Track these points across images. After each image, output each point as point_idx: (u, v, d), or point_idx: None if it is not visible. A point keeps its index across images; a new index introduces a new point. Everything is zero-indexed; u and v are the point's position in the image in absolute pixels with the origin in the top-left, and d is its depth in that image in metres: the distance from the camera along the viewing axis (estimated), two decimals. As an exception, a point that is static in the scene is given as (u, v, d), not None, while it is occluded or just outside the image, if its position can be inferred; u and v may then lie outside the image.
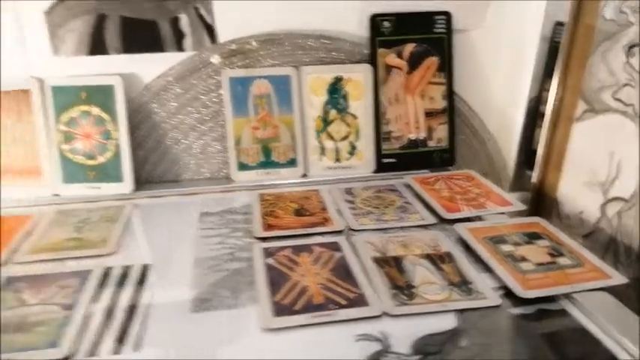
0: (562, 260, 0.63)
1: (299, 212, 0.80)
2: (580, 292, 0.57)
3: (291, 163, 0.91)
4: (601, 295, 0.57)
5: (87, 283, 0.62)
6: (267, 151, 0.91)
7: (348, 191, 0.87)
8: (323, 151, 0.92)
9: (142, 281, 0.63)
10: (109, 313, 0.57)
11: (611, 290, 0.58)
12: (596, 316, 0.54)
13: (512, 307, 0.56)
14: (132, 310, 0.57)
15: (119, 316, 0.57)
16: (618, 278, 0.59)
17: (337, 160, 0.92)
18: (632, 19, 0.68)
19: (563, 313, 0.56)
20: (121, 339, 0.53)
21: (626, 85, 0.69)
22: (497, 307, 0.56)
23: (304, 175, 0.92)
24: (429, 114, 0.93)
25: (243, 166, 0.90)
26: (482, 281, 0.60)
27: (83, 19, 0.82)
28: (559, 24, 0.86)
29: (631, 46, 0.68)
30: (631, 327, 0.52)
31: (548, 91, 0.83)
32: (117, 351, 0.51)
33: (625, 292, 0.61)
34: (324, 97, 0.91)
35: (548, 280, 0.59)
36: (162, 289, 0.61)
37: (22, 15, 0.81)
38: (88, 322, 0.55)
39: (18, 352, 0.51)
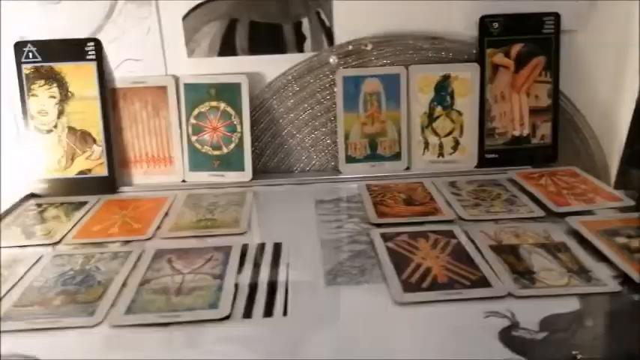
0: (678, 252, 0.65)
1: (408, 202, 0.85)
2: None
3: (396, 156, 0.97)
4: None
5: (230, 257, 0.70)
6: (373, 145, 0.96)
7: (453, 184, 0.91)
8: (427, 145, 0.97)
9: (277, 257, 0.70)
10: (254, 283, 0.64)
11: None
12: None
13: (631, 294, 0.59)
14: (273, 281, 0.64)
15: (263, 285, 0.64)
16: None
17: (440, 154, 0.97)
18: None
19: (684, 300, 0.58)
20: (269, 304, 0.60)
21: None
22: (617, 293, 0.59)
23: (407, 169, 0.97)
24: (534, 111, 0.96)
25: (351, 159, 0.97)
26: (599, 270, 0.63)
27: (216, 24, 0.91)
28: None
29: None
30: None
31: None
32: (269, 314, 0.58)
33: None
34: (430, 94, 0.95)
35: (666, 270, 0.61)
36: (297, 265, 0.68)
37: (162, 19, 0.91)
38: (237, 290, 0.63)
39: (184, 311, 0.59)
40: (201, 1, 0.90)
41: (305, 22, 0.92)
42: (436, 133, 0.96)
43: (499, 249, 0.69)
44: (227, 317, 0.58)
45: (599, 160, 1.01)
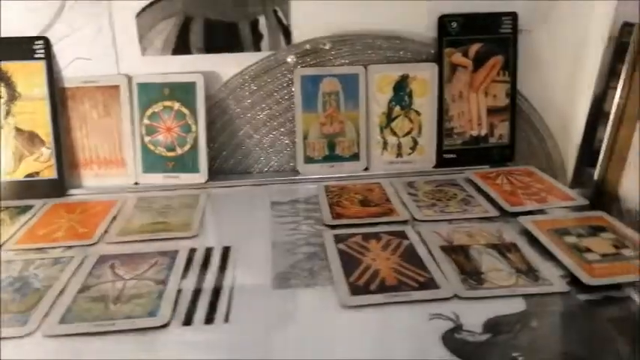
0: (627, 252, 0.65)
1: (364, 203, 0.84)
2: (646, 281, 0.59)
3: (354, 157, 0.95)
4: (668, 286, 0.59)
5: (175, 261, 0.68)
6: (332, 145, 0.95)
7: (410, 184, 0.90)
8: (385, 145, 0.96)
9: (225, 261, 0.68)
10: (198, 288, 0.62)
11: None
12: (663, 304, 0.56)
13: (578, 294, 0.59)
14: (218, 286, 0.63)
15: (207, 291, 0.62)
16: (685, 270, 0.60)
17: (399, 154, 0.96)
18: (703, 18, 0.69)
19: (629, 300, 0.58)
20: (211, 310, 0.58)
21: (695, 83, 0.70)
22: (564, 293, 0.59)
23: (366, 169, 0.96)
24: (492, 111, 0.96)
25: (309, 160, 0.95)
26: (548, 269, 0.63)
27: (170, 22, 0.89)
28: (627, 24, 0.87)
29: (701, 45, 0.69)
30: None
31: (614, 89, 0.84)
32: (210, 321, 0.56)
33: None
34: (389, 94, 0.94)
35: (613, 269, 0.61)
36: (245, 268, 0.66)
37: (115, 17, 0.88)
38: (180, 296, 0.61)
39: (121, 320, 0.57)
40: (154, -2, 0.88)
41: (262, 20, 0.90)
42: (395, 133, 0.96)
43: (450, 249, 0.68)
44: (166, 325, 0.56)
45: (556, 159, 1.01)
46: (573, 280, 0.61)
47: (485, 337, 0.52)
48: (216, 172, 0.96)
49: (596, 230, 0.70)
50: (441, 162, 0.96)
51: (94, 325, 0.56)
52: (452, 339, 0.51)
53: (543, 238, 0.68)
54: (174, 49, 0.90)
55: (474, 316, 0.55)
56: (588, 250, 0.65)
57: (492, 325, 0.53)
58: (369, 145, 0.95)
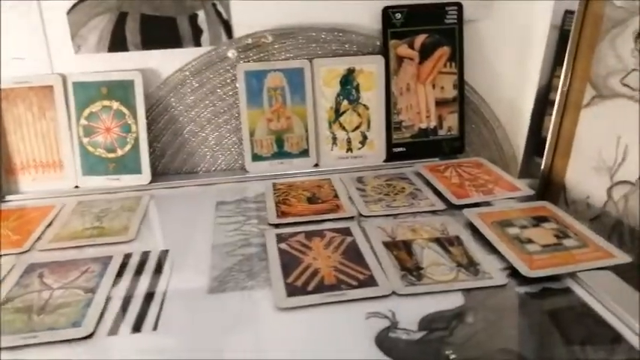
0: (567, 242, 0.64)
1: (311, 200, 0.82)
2: (584, 271, 0.58)
3: (304, 153, 0.93)
4: (605, 274, 0.58)
5: (108, 268, 0.65)
6: (280, 142, 0.93)
7: (360, 180, 0.88)
8: (335, 141, 0.94)
9: (160, 265, 0.66)
10: (129, 295, 0.60)
11: (617, 271, 0.59)
12: (599, 293, 0.55)
13: (518, 287, 0.58)
14: (150, 293, 0.60)
15: (139, 297, 0.59)
16: (622, 257, 0.60)
17: (349, 149, 0.94)
18: None
19: (568, 291, 0.57)
20: (141, 319, 0.55)
21: (634, 70, 0.70)
22: (503, 286, 0.58)
23: (316, 165, 0.94)
24: (440, 103, 0.95)
25: (257, 157, 0.93)
26: (489, 262, 0.62)
27: (104, 18, 0.85)
28: (569, 12, 0.87)
29: (639, 33, 0.69)
30: (634, 304, 0.53)
31: (558, 78, 0.84)
32: (137, 330, 0.54)
33: (630, 274, 0.63)
34: (336, 88, 0.93)
35: (553, 260, 0.60)
36: (180, 273, 0.64)
37: (45, 15, 0.84)
38: (109, 304, 0.58)
39: (44, 332, 0.54)
40: (85, -6, 0.84)
41: (201, 14, 0.87)
42: (343, 128, 0.94)
43: (392, 245, 0.67)
44: (90, 336, 0.53)
45: (507, 149, 1.01)
46: (514, 273, 0.60)
47: (419, 335, 0.50)
48: (160, 173, 0.93)
49: (539, 221, 0.70)
50: (391, 156, 0.95)
51: (15, 339, 0.53)
52: (386, 338, 0.50)
53: (486, 231, 0.67)
54: (110, 46, 0.87)
55: (411, 313, 0.54)
56: (530, 241, 0.65)
57: (428, 322, 0.52)
58: (318, 141, 0.94)
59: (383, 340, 0.49)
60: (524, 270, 0.59)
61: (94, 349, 0.51)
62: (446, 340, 0.49)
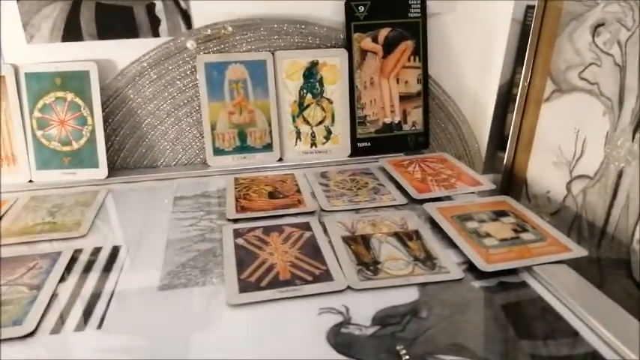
0: (525, 235, 0.64)
1: (273, 195, 0.80)
2: (540, 264, 0.58)
3: (267, 147, 0.92)
4: (561, 268, 0.58)
5: (56, 264, 0.63)
6: (242, 135, 0.91)
7: (324, 175, 0.87)
8: (299, 135, 0.93)
9: (111, 262, 0.64)
10: (76, 292, 0.57)
11: (575, 264, 0.59)
12: (555, 287, 0.55)
13: (474, 281, 0.57)
14: (99, 289, 0.58)
15: (86, 295, 0.57)
16: (579, 251, 0.60)
17: (313, 144, 0.93)
18: (598, 0, 0.69)
19: (524, 285, 0.57)
20: (86, 317, 0.53)
21: (591, 64, 0.70)
22: (459, 280, 0.57)
23: (280, 160, 0.92)
24: (404, 98, 0.94)
25: (218, 151, 0.91)
26: (447, 257, 0.61)
27: (57, 6, 0.82)
28: (530, 7, 0.87)
29: (597, 26, 0.69)
30: (589, 298, 0.53)
31: (520, 74, 0.84)
32: (80, 328, 0.52)
33: (588, 267, 0.63)
34: (299, 81, 0.91)
35: (510, 254, 0.60)
36: (131, 270, 0.62)
37: (-7, 1, 0.81)
38: (54, 302, 0.56)
39: (-16, 329, 0.51)
40: (37, -19, 0.81)
41: (159, 3, 0.85)
42: (307, 122, 0.93)
43: (351, 240, 0.66)
44: (31, 334, 0.51)
45: (472, 145, 1.01)
46: (471, 267, 0.59)
47: (371, 330, 0.49)
48: (119, 168, 0.90)
49: (498, 215, 0.69)
50: (356, 151, 0.94)
51: (-51, 339, 0.50)
52: (337, 333, 0.49)
53: (446, 225, 0.67)
54: (64, 36, 0.84)
55: (365, 308, 0.53)
56: (488, 235, 0.64)
57: (381, 318, 0.51)
58: (282, 135, 0.92)
59: (335, 336, 0.48)
60: (480, 264, 0.58)
61: (34, 348, 0.49)
62: (398, 336, 0.48)
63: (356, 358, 0.46)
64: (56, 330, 0.52)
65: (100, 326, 0.52)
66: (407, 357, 0.45)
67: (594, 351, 0.47)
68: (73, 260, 0.64)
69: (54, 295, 0.57)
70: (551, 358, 0.46)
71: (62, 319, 0.53)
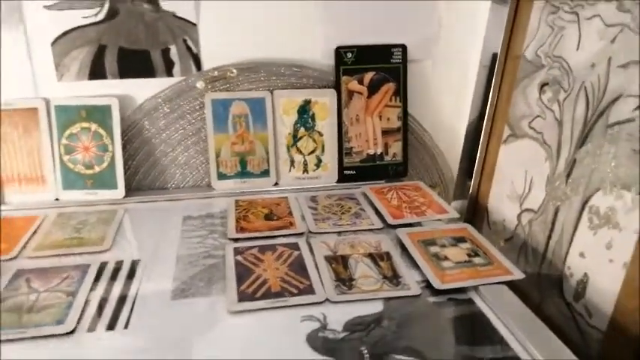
0: (477, 259, 0.77)
1: (268, 217, 0.93)
2: (484, 285, 0.71)
3: (265, 173, 1.05)
4: (501, 288, 0.71)
5: (86, 275, 0.75)
6: (243, 162, 1.04)
7: (313, 199, 1.00)
8: (293, 163, 1.06)
9: (132, 273, 0.76)
10: (105, 299, 0.70)
11: (518, 283, 0.72)
12: (493, 304, 0.68)
13: (429, 297, 0.70)
14: (123, 297, 0.71)
15: (113, 301, 0.70)
16: (518, 274, 0.73)
17: (305, 171, 1.06)
18: (544, 63, 0.82)
19: (470, 302, 0.70)
20: (114, 319, 0.66)
21: (538, 116, 0.83)
22: (417, 296, 0.70)
23: (276, 184, 1.05)
24: (386, 132, 1.07)
25: (222, 176, 1.04)
26: (410, 276, 0.74)
27: (84, 49, 0.95)
28: (495, 55, 1.00)
29: (542, 85, 0.83)
30: (517, 312, 0.66)
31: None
32: (111, 328, 0.64)
33: (530, 287, 0.76)
34: (294, 116, 1.04)
35: (461, 275, 0.73)
36: (148, 280, 0.74)
37: (32, 46, 0.94)
38: (87, 306, 0.68)
39: (31, 328, 0.64)
40: (69, 28, 0.94)
41: (173, 48, 0.98)
42: (300, 152, 1.06)
43: (332, 259, 0.78)
44: (71, 332, 0.63)
45: (446, 173, 1.14)
46: (428, 285, 0.72)
47: (342, 334, 0.62)
48: (134, 189, 1.03)
49: (457, 241, 0.82)
50: (343, 177, 1.07)
51: (6, 334, 0.63)
52: (315, 337, 0.61)
53: (412, 248, 0.80)
54: (90, 75, 0.97)
55: (339, 317, 0.65)
56: (446, 258, 0.77)
57: (351, 325, 0.64)
58: (278, 163, 1.05)
59: (313, 339, 0.61)
60: (435, 283, 0.71)
61: (75, 344, 0.62)
62: (363, 340, 0.61)
63: (328, 356, 0.59)
64: (92, 329, 0.64)
65: (126, 327, 0.65)
66: (367, 357, 0.58)
67: (516, 356, 0.60)
68: (100, 271, 0.76)
69: (87, 301, 0.69)
70: (480, 359, 0.59)
71: (95, 320, 0.66)
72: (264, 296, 0.70)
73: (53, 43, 0.95)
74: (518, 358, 0.60)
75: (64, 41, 0.94)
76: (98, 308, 0.68)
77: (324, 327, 0.63)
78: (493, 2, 0.98)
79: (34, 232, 0.88)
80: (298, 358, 0.59)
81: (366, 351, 0.59)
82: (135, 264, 0.79)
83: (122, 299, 0.70)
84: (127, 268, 0.78)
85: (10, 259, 0.80)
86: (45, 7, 0.92)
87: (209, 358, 0.60)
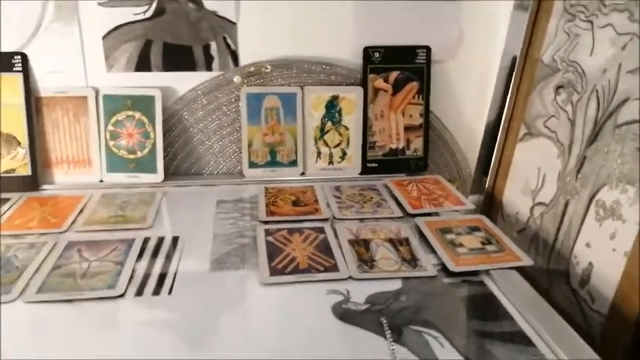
0: (489, 247, 0.83)
1: (295, 203, 1.00)
2: (495, 269, 0.77)
3: (293, 163, 1.12)
4: (511, 273, 0.77)
5: (132, 248, 0.83)
6: (273, 153, 1.11)
7: (337, 188, 1.07)
8: (319, 154, 1.13)
9: (173, 248, 0.84)
10: (149, 269, 0.78)
11: (529, 271, 0.78)
12: (503, 286, 0.74)
13: (444, 278, 0.76)
14: (166, 267, 0.78)
15: (157, 270, 0.77)
16: (527, 261, 0.79)
17: (330, 162, 1.13)
18: (560, 67, 0.88)
19: (481, 284, 0.76)
20: (159, 286, 0.74)
21: (552, 116, 0.89)
22: (433, 277, 0.76)
23: (303, 174, 1.12)
24: (408, 128, 1.13)
25: (253, 165, 1.11)
26: (427, 259, 0.81)
27: (132, 44, 1.03)
28: (515, 57, 1.05)
29: (558, 87, 0.88)
30: (525, 294, 0.72)
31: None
32: (157, 293, 0.72)
33: (540, 275, 0.81)
34: (322, 111, 1.11)
35: (474, 260, 0.79)
36: (188, 254, 0.82)
37: (84, 38, 1.03)
38: (134, 275, 0.76)
39: (87, 291, 0.72)
40: (119, 24, 1.02)
41: (213, 45, 1.06)
42: (327, 145, 1.12)
43: (355, 242, 0.85)
44: (122, 295, 0.71)
45: (464, 169, 1.20)
46: (444, 268, 0.78)
47: (364, 307, 0.69)
48: (172, 174, 1.11)
49: (472, 230, 0.88)
50: (365, 170, 1.13)
51: (66, 295, 0.71)
52: (339, 308, 0.68)
53: (429, 235, 0.86)
54: (137, 67, 1.05)
55: (361, 292, 0.72)
56: (461, 245, 0.83)
57: (372, 299, 0.70)
58: (305, 154, 1.12)
59: (337, 309, 0.68)
60: (450, 265, 0.78)
61: (125, 306, 0.70)
62: (383, 311, 0.68)
63: (351, 324, 0.65)
64: (139, 293, 0.72)
65: (170, 293, 0.72)
66: (387, 326, 0.64)
67: (520, 330, 0.66)
68: (144, 245, 0.84)
69: (134, 270, 0.77)
70: (489, 332, 0.66)
71: (142, 286, 0.74)
72: (293, 272, 0.77)
73: (104, 37, 1.03)
74: (523, 333, 0.66)
75: (114, 36, 1.03)
76: (144, 277, 0.76)
77: (347, 300, 0.70)
78: (514, 8, 1.04)
79: (81, 210, 0.96)
80: (324, 326, 0.66)
81: (385, 321, 0.65)
82: (175, 240, 0.86)
83: (165, 270, 0.78)
84: (168, 244, 0.85)
85: (62, 232, 0.88)
86: (99, 4, 1.00)
87: (244, 324, 0.67)
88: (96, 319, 0.68)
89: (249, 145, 1.10)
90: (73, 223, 0.91)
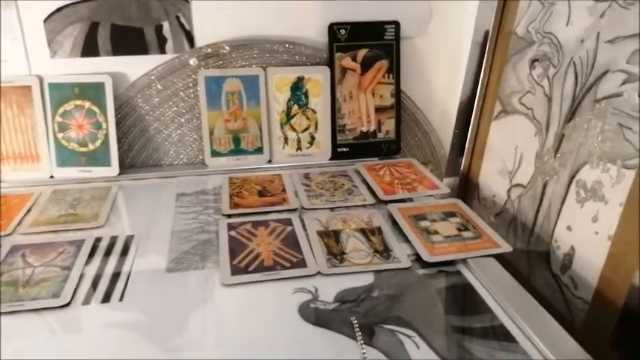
0: (466, 233, 0.78)
1: (261, 193, 0.94)
2: (472, 257, 0.72)
3: (258, 150, 1.06)
4: (489, 261, 0.72)
5: (81, 249, 0.76)
6: (237, 140, 1.05)
7: (306, 176, 1.01)
8: (286, 140, 1.06)
9: (126, 248, 0.77)
10: (99, 273, 0.71)
11: (508, 257, 0.73)
12: (481, 276, 0.69)
13: (419, 269, 0.72)
14: (117, 271, 0.72)
15: (107, 274, 0.71)
16: (506, 247, 0.74)
17: (298, 148, 1.07)
18: (535, 39, 0.83)
19: (458, 274, 0.71)
20: (109, 292, 0.67)
21: (528, 92, 0.84)
22: (407, 269, 0.71)
23: (269, 161, 1.06)
24: (379, 109, 1.08)
25: (215, 153, 1.04)
26: (400, 249, 0.76)
27: (77, 26, 0.95)
28: (487, 32, 1.00)
29: (533, 60, 0.83)
30: (504, 284, 0.68)
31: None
32: (106, 300, 0.66)
33: (519, 259, 0.77)
34: (287, 94, 1.05)
35: (450, 248, 0.74)
36: (142, 255, 0.76)
37: (24, 23, 0.94)
38: (82, 280, 0.70)
39: (28, 301, 0.65)
40: (61, 5, 0.93)
41: (166, 25, 0.98)
42: (294, 129, 1.06)
43: (324, 234, 0.79)
44: (67, 304, 0.65)
45: (438, 150, 1.15)
46: (418, 258, 0.73)
47: (333, 305, 0.63)
48: (128, 166, 1.04)
49: (447, 215, 0.83)
50: (336, 155, 1.08)
51: (5, 306, 0.64)
52: (307, 308, 0.63)
53: (403, 223, 0.81)
54: (83, 52, 0.97)
55: (330, 289, 0.67)
56: (436, 232, 0.78)
57: (342, 296, 0.65)
58: (272, 140, 1.06)
59: (304, 310, 0.63)
60: (425, 255, 0.73)
61: (70, 316, 0.63)
62: (353, 310, 0.63)
63: (319, 327, 0.60)
64: (86, 302, 0.66)
65: (121, 299, 0.66)
66: (357, 326, 0.59)
67: (501, 324, 0.61)
68: (95, 246, 0.78)
69: (82, 275, 0.71)
70: (469, 328, 0.61)
71: (90, 293, 0.67)
72: (257, 269, 0.71)
73: (45, 20, 0.94)
74: (504, 327, 0.61)
75: (56, 18, 0.94)
76: (93, 282, 0.69)
77: (315, 298, 0.65)
78: (485, -21, 0.98)
79: (29, 209, 0.89)
80: (290, 329, 0.60)
81: (355, 321, 0.60)
82: (129, 239, 0.80)
83: (116, 273, 0.71)
84: (121, 244, 0.79)
85: (6, 235, 0.81)
86: (36, -17, 0.92)
87: (203, 329, 0.61)
88: (38, 333, 0.61)
89: (211, 133, 1.03)
90: (18, 224, 0.84)
